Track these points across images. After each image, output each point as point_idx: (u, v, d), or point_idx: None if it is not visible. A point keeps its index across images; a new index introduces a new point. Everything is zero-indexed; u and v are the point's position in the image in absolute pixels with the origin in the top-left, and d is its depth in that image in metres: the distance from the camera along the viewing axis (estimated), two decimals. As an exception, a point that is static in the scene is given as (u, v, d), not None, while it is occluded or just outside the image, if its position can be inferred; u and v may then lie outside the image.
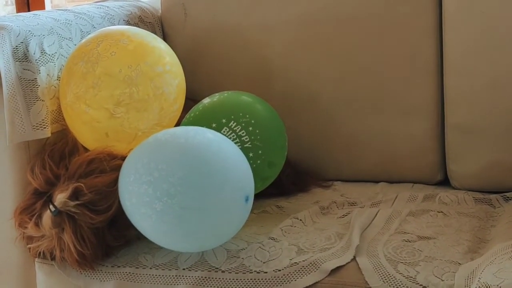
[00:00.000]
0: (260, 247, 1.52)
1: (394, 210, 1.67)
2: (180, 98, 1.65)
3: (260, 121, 1.65)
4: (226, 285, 1.47)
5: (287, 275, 1.44)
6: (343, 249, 1.49)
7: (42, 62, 1.63)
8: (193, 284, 1.48)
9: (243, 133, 1.63)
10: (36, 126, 1.60)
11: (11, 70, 1.59)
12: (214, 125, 1.62)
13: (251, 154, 1.62)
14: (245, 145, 1.62)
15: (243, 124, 1.63)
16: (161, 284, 1.51)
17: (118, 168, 1.50)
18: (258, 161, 1.63)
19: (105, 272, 1.55)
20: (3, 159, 1.64)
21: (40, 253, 1.57)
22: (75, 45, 1.71)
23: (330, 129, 1.91)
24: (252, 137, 1.63)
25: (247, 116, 1.64)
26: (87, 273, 1.55)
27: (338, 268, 1.44)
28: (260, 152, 1.63)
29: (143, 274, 1.53)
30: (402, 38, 1.84)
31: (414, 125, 1.85)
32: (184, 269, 1.50)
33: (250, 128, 1.63)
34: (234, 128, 1.63)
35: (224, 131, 1.62)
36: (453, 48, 1.79)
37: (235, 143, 1.59)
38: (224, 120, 1.63)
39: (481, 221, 1.63)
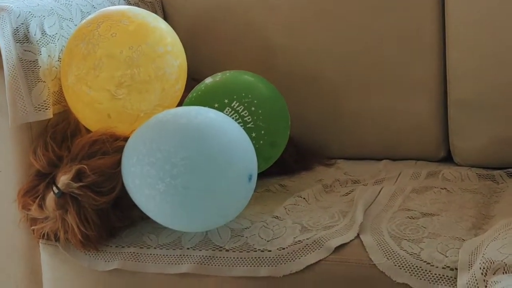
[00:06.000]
0: (264, 225, 1.52)
1: (398, 187, 1.67)
2: (181, 78, 1.65)
3: (262, 101, 1.65)
4: (230, 264, 1.47)
5: (291, 253, 1.45)
6: (347, 227, 1.49)
7: (43, 43, 1.63)
8: (197, 263, 1.49)
9: (245, 113, 1.62)
10: (38, 107, 1.60)
11: (12, 51, 1.58)
12: (216, 105, 1.62)
13: (253, 134, 1.61)
14: (247, 125, 1.61)
15: (246, 104, 1.63)
16: (165, 263, 1.51)
17: (120, 150, 1.50)
18: (261, 141, 1.63)
19: (110, 252, 1.56)
20: (6, 141, 1.64)
21: (44, 234, 1.57)
22: (76, 25, 1.70)
23: (333, 107, 1.91)
24: (255, 117, 1.63)
25: (250, 96, 1.64)
26: (91, 253, 1.56)
27: (342, 245, 1.45)
28: (262, 132, 1.63)
29: (148, 254, 1.53)
30: (405, 15, 1.83)
31: (417, 102, 1.85)
32: (188, 248, 1.51)
33: (253, 108, 1.63)
34: (237, 108, 1.62)
35: (226, 111, 1.61)
36: (456, 24, 1.78)
37: (238, 123, 1.58)
38: (226, 100, 1.63)
39: (484, 197, 1.63)
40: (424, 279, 1.36)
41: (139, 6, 1.92)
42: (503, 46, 1.74)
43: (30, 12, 1.63)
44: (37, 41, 1.62)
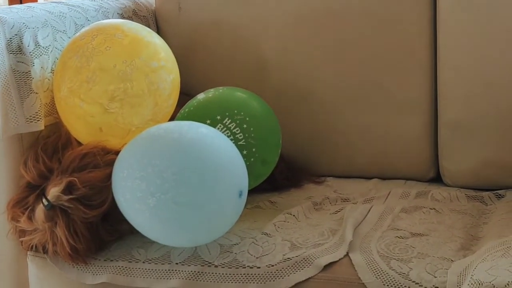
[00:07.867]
0: (253, 242, 1.52)
1: (387, 207, 1.67)
2: (174, 93, 1.65)
3: (254, 118, 1.65)
4: (219, 280, 1.47)
5: (280, 270, 1.45)
6: (336, 245, 1.49)
7: (36, 54, 1.63)
8: (185, 279, 1.49)
9: (237, 130, 1.62)
10: (30, 119, 1.60)
11: (5, 62, 1.59)
12: (208, 121, 1.62)
13: (245, 152, 1.61)
14: (239, 143, 1.61)
15: (238, 121, 1.63)
16: (154, 278, 1.51)
17: (111, 163, 1.50)
18: (252, 159, 1.63)
19: (98, 266, 1.55)
20: (-4, 152, 1.64)
21: (32, 246, 1.57)
22: (69, 38, 1.71)
23: (324, 125, 1.91)
24: (246, 135, 1.63)
25: (242, 113, 1.64)
26: (79, 266, 1.55)
27: (331, 263, 1.45)
28: (254, 149, 1.63)
29: (136, 268, 1.53)
30: (397, 34, 1.84)
31: (408, 122, 1.86)
32: (177, 263, 1.51)
33: (245, 126, 1.63)
34: (229, 125, 1.62)
35: (218, 128, 1.61)
36: (447, 45, 1.79)
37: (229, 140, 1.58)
38: (218, 117, 1.63)
39: (473, 218, 1.63)
40: (413, 299, 1.36)
41: (132, 20, 1.92)
42: (494, 68, 1.75)
43: (24, 23, 1.63)
44: (30, 52, 1.62)
